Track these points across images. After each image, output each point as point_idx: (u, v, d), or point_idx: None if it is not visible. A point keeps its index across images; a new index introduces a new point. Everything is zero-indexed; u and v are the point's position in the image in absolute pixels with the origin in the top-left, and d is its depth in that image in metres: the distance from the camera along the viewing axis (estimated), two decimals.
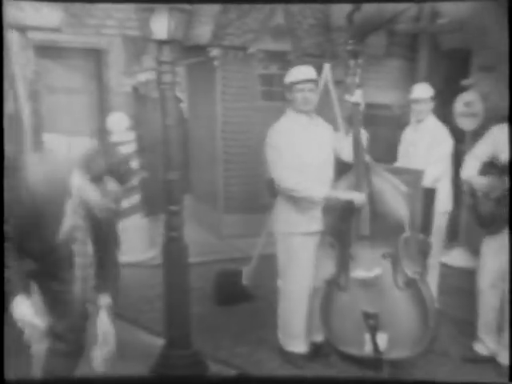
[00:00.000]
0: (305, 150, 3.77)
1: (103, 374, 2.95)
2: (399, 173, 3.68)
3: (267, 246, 4.86)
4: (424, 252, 3.94)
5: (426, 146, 4.44)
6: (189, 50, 6.69)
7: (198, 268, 4.39)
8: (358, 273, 3.54)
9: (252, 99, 7.07)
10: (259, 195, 6.34)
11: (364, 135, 3.64)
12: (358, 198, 3.49)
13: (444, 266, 5.10)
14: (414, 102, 4.60)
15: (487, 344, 4.00)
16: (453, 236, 5.89)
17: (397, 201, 3.50)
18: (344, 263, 3.64)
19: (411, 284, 3.50)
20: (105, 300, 2.97)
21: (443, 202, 4.47)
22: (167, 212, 3.64)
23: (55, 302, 2.98)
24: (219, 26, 6.66)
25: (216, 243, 6.86)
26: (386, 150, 4.80)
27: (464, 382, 3.86)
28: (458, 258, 6.07)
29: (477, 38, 6.41)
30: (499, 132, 3.90)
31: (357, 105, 3.56)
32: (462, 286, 4.87)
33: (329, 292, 3.73)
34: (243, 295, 5.03)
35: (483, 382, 3.85)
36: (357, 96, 3.54)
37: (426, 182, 3.90)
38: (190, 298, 3.78)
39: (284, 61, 6.72)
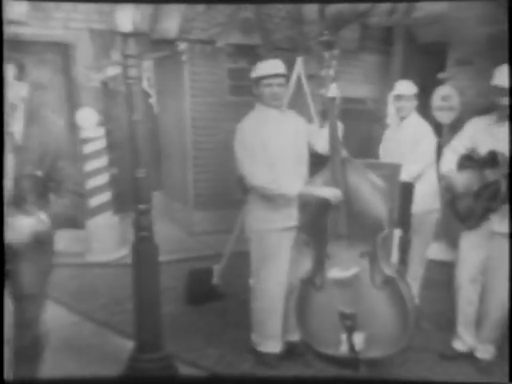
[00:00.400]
0: (276, 145, 3.65)
1: (103, 374, 3.09)
2: (376, 168, 3.59)
3: (239, 242, 4.80)
4: (403, 248, 3.86)
5: (408, 144, 4.32)
6: (156, 43, 6.61)
7: (168, 267, 4.32)
8: (335, 272, 3.46)
9: (221, 94, 6.97)
10: (230, 191, 6.28)
11: (340, 129, 3.53)
12: (333, 194, 3.39)
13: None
14: (396, 98, 4.50)
15: (465, 339, 3.95)
16: None
17: (375, 198, 3.39)
18: (320, 262, 3.55)
19: (390, 283, 3.42)
20: None
21: (430, 200, 4.40)
22: (136, 211, 3.54)
23: None
24: (186, 20, 6.54)
25: (187, 240, 6.77)
26: (360, 145, 4.73)
27: (464, 381, 3.83)
28: (437, 251, 5.92)
29: (453, 32, 6.39)
30: (477, 125, 3.85)
31: (332, 99, 3.44)
32: (441, 280, 4.80)
33: (304, 291, 3.64)
34: (214, 294, 4.94)
35: (483, 382, 3.82)
36: (332, 90, 3.43)
37: (404, 177, 3.83)
38: (160, 299, 3.68)
39: (254, 55, 6.59)
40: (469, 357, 3.94)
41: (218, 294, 4.95)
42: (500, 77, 3.63)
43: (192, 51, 6.70)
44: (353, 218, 3.40)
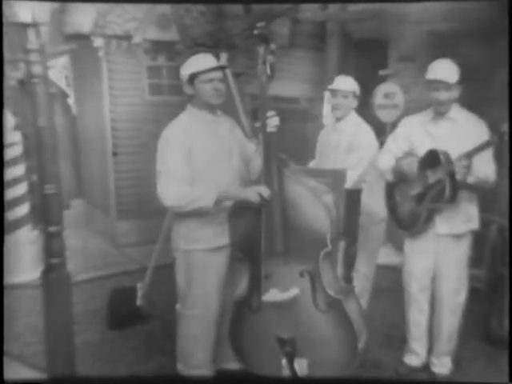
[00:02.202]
0: (204, 158, 3.25)
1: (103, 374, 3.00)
2: (317, 175, 3.24)
3: (163, 255, 4.50)
4: (349, 262, 3.55)
5: (346, 148, 4.01)
6: (71, 38, 6.27)
7: (90, 286, 4.32)
8: (272, 294, 3.07)
9: (141, 94, 6.65)
10: (154, 198, 5.85)
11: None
12: (256, 193, 3.00)
13: None
14: (332, 94, 4.11)
15: (419, 352, 3.81)
16: None
17: (317, 210, 3.01)
18: (256, 282, 3.16)
19: (334, 305, 3.05)
20: None
21: (378, 210, 4.09)
22: (45, 234, 3.11)
23: None
24: (100, 14, 6.18)
25: (111, 253, 6.41)
26: (293, 146, 4.37)
27: (464, 382, 3.77)
28: (382, 255, 5.80)
29: (394, 28, 6.24)
30: (411, 124, 3.68)
31: (272, 135, 3.06)
32: (389, 286, 4.74)
33: (239, 314, 3.26)
34: (138, 316, 4.55)
35: (483, 382, 3.76)
36: (272, 122, 3.05)
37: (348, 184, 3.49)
38: (73, 331, 3.50)
39: (172, 52, 6.34)
40: (424, 371, 3.81)
41: (141, 316, 4.57)
42: (433, 70, 3.48)
43: (108, 47, 6.37)
44: (290, 233, 3.03)
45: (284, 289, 3.05)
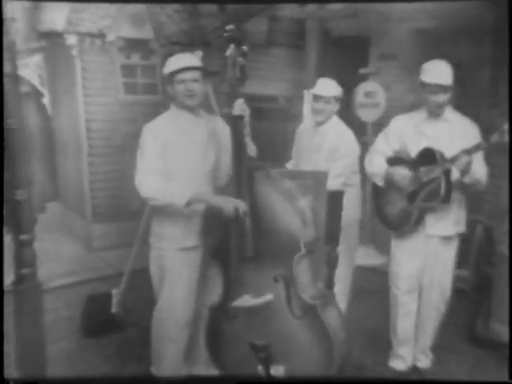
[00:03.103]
0: (178, 155, 3.22)
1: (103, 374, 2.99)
2: (298, 177, 3.19)
3: (140, 259, 4.37)
4: (331, 266, 3.42)
5: (329, 150, 3.91)
6: (44, 36, 6.17)
7: (65, 292, 4.25)
8: (244, 300, 2.99)
9: (115, 93, 6.48)
10: (129, 201, 5.79)
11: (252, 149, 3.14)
12: (229, 205, 2.90)
13: None
14: (314, 99, 3.98)
15: (405, 357, 3.78)
16: None
17: (288, 214, 2.93)
18: (229, 287, 3.08)
19: (309, 311, 2.97)
20: None
21: (353, 212, 4.02)
22: (15, 243, 2.98)
23: None
24: (73, 11, 6.03)
25: (86, 257, 6.27)
26: (273, 145, 4.35)
27: (464, 382, 3.78)
28: (362, 256, 5.69)
29: (375, 25, 6.16)
30: (403, 123, 3.62)
31: (239, 118, 2.96)
32: (371, 288, 4.70)
33: (214, 321, 3.17)
34: (113, 324, 4.44)
35: (483, 382, 3.75)
36: (238, 107, 2.95)
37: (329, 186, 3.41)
38: (45, 341, 3.38)
39: (147, 50, 6.21)
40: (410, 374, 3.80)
41: (117, 323, 4.45)
42: (431, 73, 3.42)
43: (82, 45, 6.22)
44: (262, 237, 2.94)
45: (257, 294, 2.97)
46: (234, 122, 2.97)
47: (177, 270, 3.31)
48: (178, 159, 3.21)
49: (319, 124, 3.98)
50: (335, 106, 3.96)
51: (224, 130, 3.28)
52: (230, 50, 2.94)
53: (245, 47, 2.94)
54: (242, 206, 2.89)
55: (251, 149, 3.12)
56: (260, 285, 2.98)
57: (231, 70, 2.94)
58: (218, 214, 2.96)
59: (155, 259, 3.38)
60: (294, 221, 2.91)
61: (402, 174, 3.50)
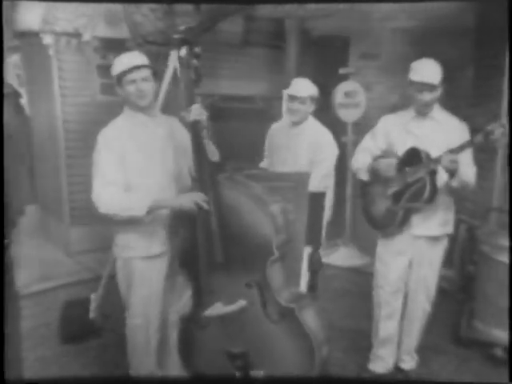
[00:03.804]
0: (136, 160, 3.08)
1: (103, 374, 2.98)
2: (278, 179, 3.15)
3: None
4: (314, 269, 3.38)
5: (307, 153, 3.82)
6: (21, 35, 6.13)
7: (43, 297, 4.24)
8: (215, 307, 2.91)
9: (92, 93, 6.43)
10: None
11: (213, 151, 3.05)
12: (191, 200, 2.83)
13: (329, 267, 4.86)
14: (290, 99, 3.88)
15: (385, 358, 3.74)
16: (336, 233, 5.77)
17: (257, 217, 2.85)
18: (200, 296, 2.99)
19: (287, 314, 2.88)
20: None
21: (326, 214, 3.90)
22: None
23: None
24: (49, 10, 5.95)
25: (64, 261, 6.21)
26: (249, 147, 4.28)
27: (464, 382, 3.74)
28: (344, 257, 5.78)
29: (355, 24, 6.07)
30: (390, 122, 3.57)
31: (195, 123, 2.89)
32: (352, 289, 4.67)
33: (186, 330, 3.08)
34: (91, 330, 4.36)
35: (483, 382, 3.73)
36: (194, 112, 2.88)
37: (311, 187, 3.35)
38: (21, 349, 3.33)
39: (122, 49, 5.98)
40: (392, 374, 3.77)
41: (95, 329, 4.37)
42: (419, 72, 3.36)
43: (58, 45, 6.16)
44: (231, 243, 2.85)
45: (230, 302, 2.89)
46: (192, 128, 2.89)
47: (143, 277, 3.22)
48: (136, 167, 3.08)
49: (295, 124, 3.90)
50: (311, 106, 3.86)
51: (182, 131, 3.22)
52: (183, 52, 2.87)
53: (197, 49, 2.88)
54: (200, 197, 2.83)
55: (213, 153, 3.04)
56: (232, 291, 2.90)
57: (185, 72, 2.88)
58: (182, 216, 2.90)
59: (122, 269, 3.29)
60: (266, 226, 2.83)
61: (387, 162, 3.46)
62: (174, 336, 3.20)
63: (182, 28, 2.93)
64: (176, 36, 2.89)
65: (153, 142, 3.15)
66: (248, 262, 2.86)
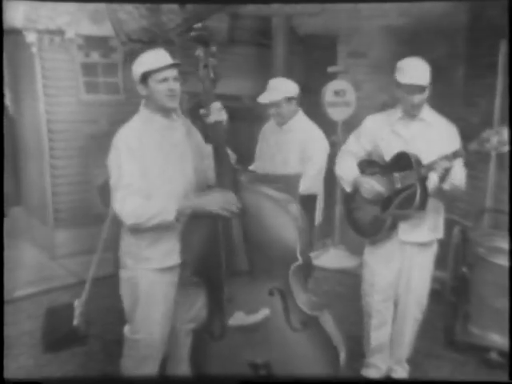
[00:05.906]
0: (161, 167, 2.94)
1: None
2: (269, 181, 3.01)
3: (102, 266, 4.33)
4: (307, 272, 3.26)
5: (297, 152, 3.73)
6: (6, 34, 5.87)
7: (27, 303, 4.18)
8: (237, 317, 2.79)
9: (76, 93, 6.23)
10: (92, 205, 5.65)
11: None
12: (221, 202, 2.72)
13: (319, 269, 4.67)
14: (270, 105, 3.79)
15: (379, 366, 3.66)
16: (325, 233, 5.73)
17: (282, 222, 2.75)
18: (217, 306, 2.86)
19: (310, 323, 2.79)
20: None
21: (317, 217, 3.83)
22: None
23: None
24: (32, 7, 5.81)
25: (48, 265, 6.03)
26: (236, 147, 4.12)
27: (464, 381, 3.73)
28: (333, 259, 5.71)
29: (344, 22, 5.99)
30: (376, 122, 3.43)
31: (218, 123, 2.80)
32: (342, 291, 4.62)
33: (200, 343, 2.93)
34: (75, 337, 4.22)
35: (483, 382, 3.71)
36: (215, 113, 2.80)
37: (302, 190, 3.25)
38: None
39: (106, 47, 5.98)
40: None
41: (79, 336, 4.23)
42: (406, 73, 3.21)
43: (41, 43, 6.01)
44: (255, 249, 2.75)
45: (251, 310, 2.78)
46: (213, 129, 2.79)
47: (152, 292, 3.04)
48: (157, 174, 2.93)
49: (282, 124, 3.81)
50: (290, 106, 3.75)
51: (197, 133, 3.12)
52: (200, 51, 2.79)
53: (214, 47, 2.81)
54: (231, 197, 2.73)
55: (231, 156, 2.92)
56: (253, 300, 2.80)
57: (204, 71, 2.81)
58: (202, 221, 2.80)
59: (128, 280, 3.09)
60: (289, 228, 2.75)
61: (370, 184, 3.31)
62: (185, 347, 3.03)
63: (197, 26, 2.81)
64: (192, 35, 2.80)
65: (173, 146, 3.00)
66: (271, 268, 2.78)
